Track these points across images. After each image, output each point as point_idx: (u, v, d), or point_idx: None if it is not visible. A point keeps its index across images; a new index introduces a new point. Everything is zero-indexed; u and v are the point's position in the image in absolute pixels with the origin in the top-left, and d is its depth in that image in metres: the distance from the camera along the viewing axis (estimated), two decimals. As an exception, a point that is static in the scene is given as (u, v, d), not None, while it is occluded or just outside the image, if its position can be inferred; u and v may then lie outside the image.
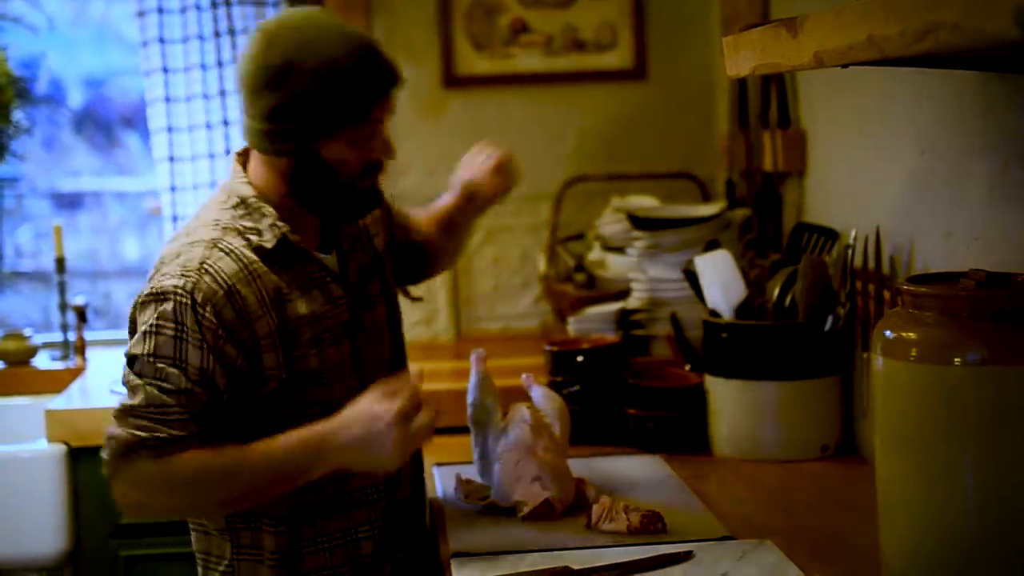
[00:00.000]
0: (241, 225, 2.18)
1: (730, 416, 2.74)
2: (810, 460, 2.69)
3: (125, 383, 2.10)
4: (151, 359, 2.07)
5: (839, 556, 2.11)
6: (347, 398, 2.11)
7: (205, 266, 2.10)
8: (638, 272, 3.28)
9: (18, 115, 4.11)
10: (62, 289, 4.05)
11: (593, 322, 3.32)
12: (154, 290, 2.10)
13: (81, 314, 4.01)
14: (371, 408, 2.06)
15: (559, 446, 2.44)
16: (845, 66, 1.70)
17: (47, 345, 4.15)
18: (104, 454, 2.10)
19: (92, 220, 4.45)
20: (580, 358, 2.95)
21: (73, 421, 3.47)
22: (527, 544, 2.20)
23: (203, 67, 3.89)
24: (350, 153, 2.19)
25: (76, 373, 3.96)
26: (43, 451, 3.45)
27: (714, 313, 2.83)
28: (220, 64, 3.88)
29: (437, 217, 2.67)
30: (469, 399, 2.43)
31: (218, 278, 2.09)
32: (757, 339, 2.72)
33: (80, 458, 3.46)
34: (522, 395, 2.53)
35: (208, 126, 3.91)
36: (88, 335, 4.11)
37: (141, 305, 2.12)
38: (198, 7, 3.87)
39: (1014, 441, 1.73)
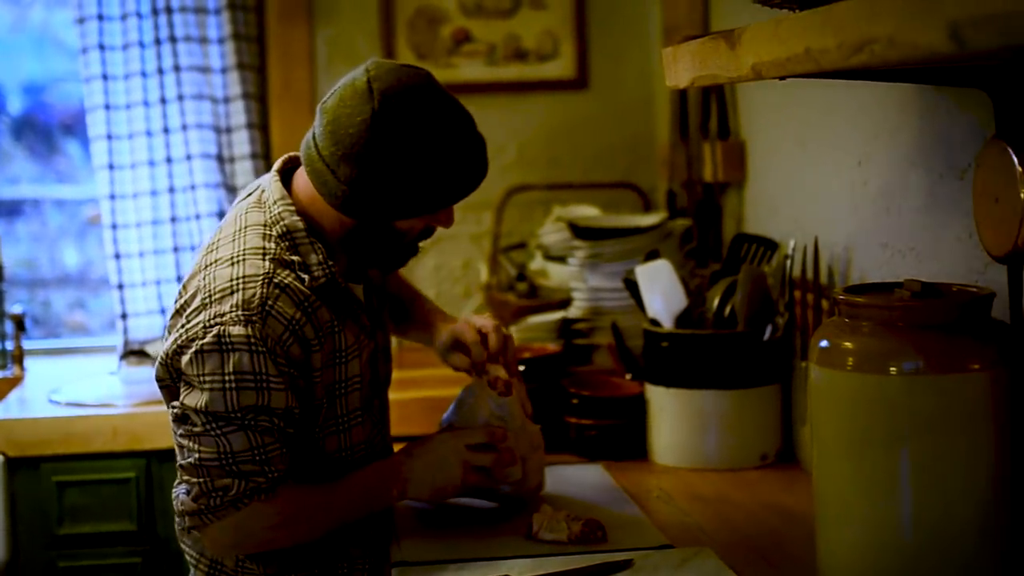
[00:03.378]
0: (288, 257, 2.14)
1: (670, 425, 2.75)
2: (749, 468, 2.71)
3: (202, 433, 2.07)
4: (237, 413, 2.05)
5: (777, 564, 2.13)
6: (366, 424, 2.25)
7: (267, 307, 2.06)
8: (579, 281, 3.29)
9: (-44, 122, 4.07)
10: (0, 298, 4.01)
11: (535, 331, 3.33)
12: (218, 336, 2.05)
13: (19, 323, 3.97)
14: (443, 440, 2.28)
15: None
16: (783, 78, 1.71)
17: (-16, 354, 4.10)
18: (201, 504, 2.09)
19: (31, 228, 4.41)
20: (522, 367, 2.95)
21: (11, 431, 3.43)
22: (467, 553, 2.20)
23: (143, 74, 3.87)
24: (419, 223, 2.20)
25: (14, 383, 3.91)
26: (-20, 461, 3.41)
27: (654, 322, 2.84)
28: (161, 71, 3.86)
29: (404, 295, 2.64)
30: (445, 417, 2.44)
31: (282, 319, 2.07)
32: (697, 348, 2.73)
33: (18, 469, 3.43)
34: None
35: (149, 133, 3.89)
36: (26, 344, 4.06)
37: (201, 354, 2.05)
38: (139, 14, 3.85)
39: (950, 449, 1.75)
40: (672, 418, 2.75)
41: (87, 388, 3.71)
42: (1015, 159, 1.82)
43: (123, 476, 3.44)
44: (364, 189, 2.09)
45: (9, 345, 4.01)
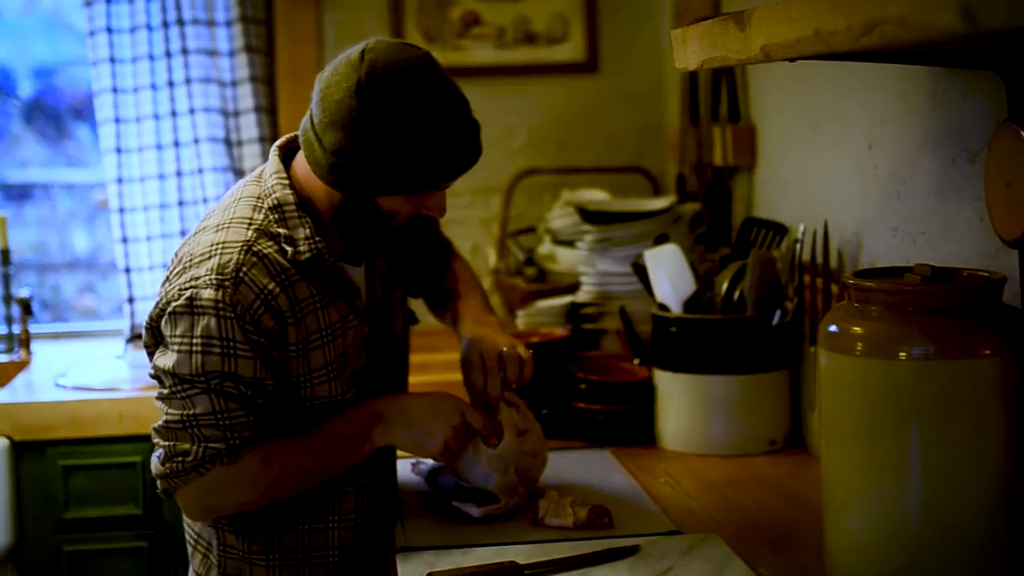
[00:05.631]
0: (275, 230, 2.13)
1: (678, 410, 2.74)
2: (758, 454, 2.69)
3: (169, 395, 2.08)
4: (201, 377, 2.05)
5: (785, 550, 2.11)
6: (353, 400, 2.21)
7: (241, 274, 2.06)
8: (588, 266, 3.28)
9: (-35, 105, 4.06)
10: (7, 281, 4.01)
11: (543, 316, 3.32)
12: (190, 299, 2.05)
13: (26, 307, 3.97)
14: (435, 398, 2.23)
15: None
16: (792, 60, 1.69)
17: (-9, 338, 4.11)
18: (166, 468, 2.09)
19: (41, 212, 4.41)
20: (529, 351, 2.94)
21: (17, 415, 3.44)
22: (473, 538, 2.19)
23: (151, 57, 3.86)
24: (405, 206, 2.14)
25: (21, 366, 3.92)
26: (-14, 445, 3.41)
27: (663, 307, 2.83)
28: (168, 54, 3.85)
29: (449, 295, 2.57)
30: None
31: (254, 287, 2.06)
32: (706, 333, 2.71)
33: (24, 452, 3.43)
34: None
35: (156, 117, 3.88)
36: (34, 328, 4.07)
37: (174, 315, 2.06)
38: (146, -3, 3.84)
39: (959, 435, 1.74)
40: (680, 403, 2.73)
41: (94, 372, 3.71)
42: (1027, 142, 1.80)
43: (129, 460, 3.44)
44: (346, 159, 2.06)
45: (16, 329, 4.01)
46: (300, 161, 2.19)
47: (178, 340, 2.06)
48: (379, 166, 2.06)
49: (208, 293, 2.04)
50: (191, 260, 2.10)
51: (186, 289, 2.06)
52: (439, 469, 2.42)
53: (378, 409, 2.21)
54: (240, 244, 2.09)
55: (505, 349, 2.32)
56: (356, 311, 2.21)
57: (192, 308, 2.05)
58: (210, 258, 2.08)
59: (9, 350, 4.01)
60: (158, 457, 2.12)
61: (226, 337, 2.04)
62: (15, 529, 3.44)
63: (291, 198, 2.15)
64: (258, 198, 2.18)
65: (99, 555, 3.49)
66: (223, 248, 2.09)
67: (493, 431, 2.28)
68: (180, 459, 2.08)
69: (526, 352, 2.34)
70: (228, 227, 2.13)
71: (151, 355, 2.16)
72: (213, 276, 2.05)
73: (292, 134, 2.26)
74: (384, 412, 2.21)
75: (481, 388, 2.31)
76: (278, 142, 2.25)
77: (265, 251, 2.10)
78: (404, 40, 2.19)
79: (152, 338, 2.14)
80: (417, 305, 2.59)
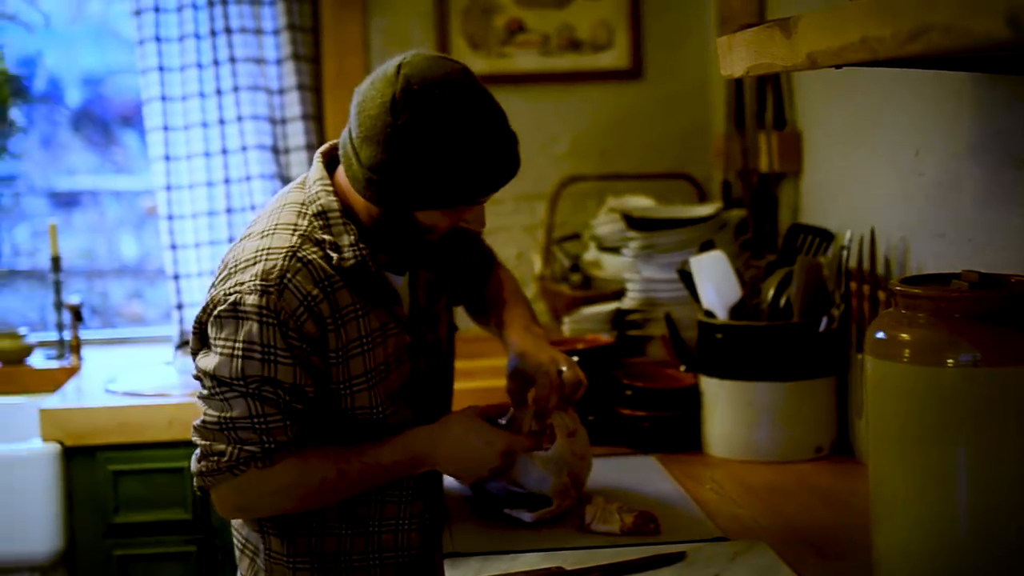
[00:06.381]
0: (320, 236, 2.14)
1: (724, 417, 2.74)
2: (804, 461, 2.69)
3: (209, 396, 2.11)
4: (240, 381, 2.07)
5: (832, 558, 2.11)
6: (400, 415, 2.22)
7: (285, 280, 2.07)
8: (633, 272, 3.28)
9: (15, 114, 4.11)
10: (57, 288, 4.05)
11: (588, 322, 3.32)
12: (234, 304, 2.07)
13: (76, 313, 4.01)
14: (478, 436, 2.19)
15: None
16: (838, 67, 1.70)
17: (42, 344, 4.15)
18: (202, 466, 2.12)
19: (89, 219, 4.45)
20: (575, 358, 2.94)
21: (67, 420, 3.47)
22: (520, 544, 2.20)
23: (199, 66, 3.89)
24: (443, 220, 2.15)
25: (71, 372, 3.96)
26: (37, 450, 3.45)
27: (709, 314, 2.83)
28: (216, 63, 3.88)
29: (493, 303, 2.57)
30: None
31: (298, 293, 2.08)
32: (752, 340, 2.71)
33: (74, 457, 3.47)
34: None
35: (204, 124, 3.91)
36: (84, 334, 4.11)
37: (219, 319, 2.08)
38: (195, 6, 3.87)
39: (1006, 442, 1.73)
40: (726, 410, 2.73)
41: (143, 378, 3.75)
42: (1075, 148, 1.79)
43: (178, 465, 3.46)
44: (383, 174, 2.07)
45: (67, 335, 4.05)
46: (343, 174, 2.20)
47: (221, 343, 2.08)
48: (415, 182, 2.06)
49: (252, 299, 2.06)
50: (236, 265, 2.12)
51: (231, 294, 2.08)
52: None
53: (423, 450, 2.19)
54: (285, 250, 2.11)
55: (566, 369, 2.34)
56: (397, 319, 2.22)
57: (236, 313, 2.07)
58: (255, 264, 2.10)
59: (60, 356, 4.05)
60: (195, 455, 2.14)
61: (267, 343, 2.06)
62: (66, 534, 3.48)
63: (335, 205, 2.16)
64: (302, 204, 2.19)
65: (148, 559, 3.51)
66: (268, 254, 2.11)
67: (545, 435, 2.29)
68: (216, 458, 2.10)
69: (583, 375, 2.37)
70: (273, 233, 2.15)
71: (196, 358, 2.18)
72: (258, 282, 2.07)
73: (335, 141, 2.27)
74: (430, 455, 2.19)
75: (542, 403, 2.30)
76: (321, 149, 2.26)
77: (309, 257, 2.11)
78: (443, 54, 2.17)
79: (198, 342, 2.16)
80: (456, 312, 2.60)
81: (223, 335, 2.08)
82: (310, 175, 2.23)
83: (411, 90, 2.04)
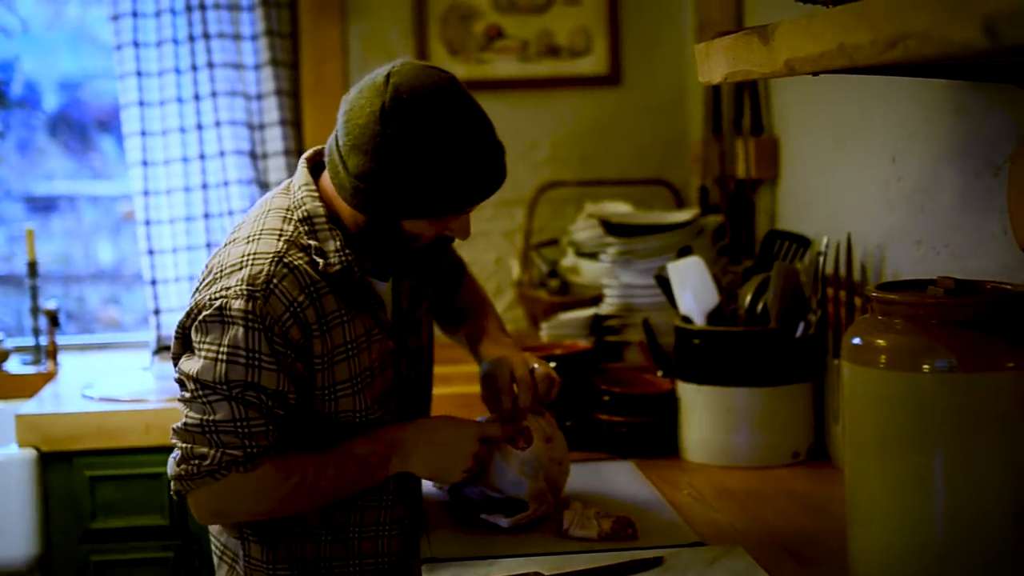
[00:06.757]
0: (306, 241, 2.14)
1: (701, 422, 2.74)
2: (781, 466, 2.70)
3: (191, 399, 2.10)
4: (223, 385, 2.06)
5: (809, 563, 2.12)
6: (384, 419, 2.22)
7: (272, 285, 2.07)
8: (611, 278, 3.28)
9: (-9, 118, 4.09)
10: (34, 293, 4.03)
11: (566, 328, 3.33)
12: (220, 308, 2.06)
13: (53, 318, 3.99)
14: (453, 428, 2.24)
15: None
16: (816, 74, 1.70)
17: (18, 349, 4.13)
18: (182, 470, 2.11)
19: (66, 224, 4.43)
20: (553, 364, 2.95)
21: (44, 426, 3.45)
22: (498, 550, 2.20)
23: (177, 71, 3.88)
24: (429, 228, 2.15)
25: (47, 378, 3.94)
26: (13, 456, 3.43)
27: (686, 319, 2.83)
28: (194, 68, 3.87)
29: (462, 312, 2.61)
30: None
31: (284, 299, 2.08)
32: (729, 345, 2.72)
33: (51, 463, 3.45)
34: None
35: (182, 130, 3.90)
36: (60, 339, 4.09)
37: (204, 323, 2.08)
38: (172, 11, 3.87)
39: (982, 448, 1.74)
40: (703, 415, 2.74)
41: (120, 383, 3.73)
42: (1050, 156, 1.80)
43: (155, 471, 3.45)
44: (370, 183, 2.07)
45: (43, 340, 4.04)
46: (328, 180, 2.19)
47: (206, 347, 2.07)
48: (403, 191, 2.06)
49: (238, 304, 2.06)
50: (222, 270, 2.11)
51: (217, 298, 2.08)
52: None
53: (398, 438, 2.21)
54: (271, 255, 2.11)
55: (537, 366, 2.37)
56: (381, 325, 2.22)
57: (223, 317, 2.06)
58: (241, 268, 2.09)
59: (36, 361, 4.03)
60: (174, 458, 2.13)
61: (252, 348, 2.06)
62: (42, 539, 3.46)
63: (321, 210, 2.16)
64: (288, 209, 2.19)
65: (125, 565, 3.50)
66: (254, 259, 2.10)
67: (521, 435, 2.30)
68: (196, 462, 2.09)
69: (555, 375, 2.39)
70: (259, 238, 2.14)
71: (177, 363, 2.18)
72: (244, 287, 2.07)
73: (320, 147, 2.27)
74: (404, 442, 2.21)
75: (510, 404, 2.33)
76: (306, 154, 2.26)
77: (296, 262, 2.11)
78: (431, 64, 2.17)
79: (180, 347, 2.16)
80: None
81: (208, 339, 2.07)
82: (295, 180, 2.23)
83: (401, 100, 2.04)
